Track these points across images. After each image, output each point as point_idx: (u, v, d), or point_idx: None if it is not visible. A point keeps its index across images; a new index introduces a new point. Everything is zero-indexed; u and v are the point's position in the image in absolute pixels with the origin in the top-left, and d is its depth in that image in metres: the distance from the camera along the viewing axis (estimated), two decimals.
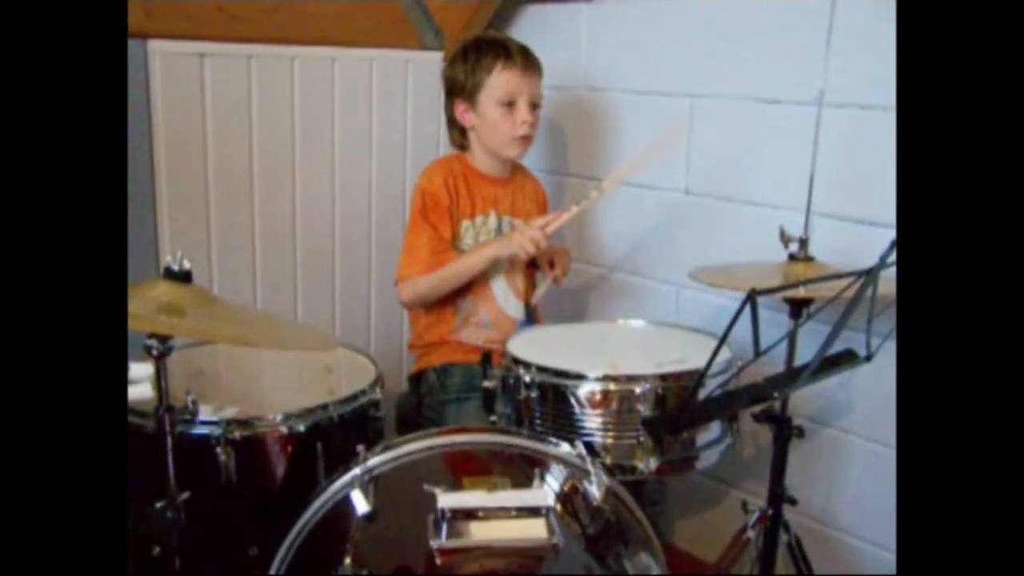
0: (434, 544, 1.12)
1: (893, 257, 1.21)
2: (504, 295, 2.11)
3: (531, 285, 2.16)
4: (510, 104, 2.03)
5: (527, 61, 2.04)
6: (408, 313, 2.21)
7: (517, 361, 1.63)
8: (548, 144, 2.53)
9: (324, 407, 1.53)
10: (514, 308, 2.12)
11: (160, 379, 1.29)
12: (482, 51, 2.05)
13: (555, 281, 2.11)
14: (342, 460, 1.42)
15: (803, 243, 1.73)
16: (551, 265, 2.12)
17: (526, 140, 2.06)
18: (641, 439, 1.55)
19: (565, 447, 1.40)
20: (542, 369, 1.59)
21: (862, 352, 1.55)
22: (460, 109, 2.09)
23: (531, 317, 2.16)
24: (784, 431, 1.75)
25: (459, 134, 2.15)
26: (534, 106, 2.06)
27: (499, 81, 2.03)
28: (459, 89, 2.08)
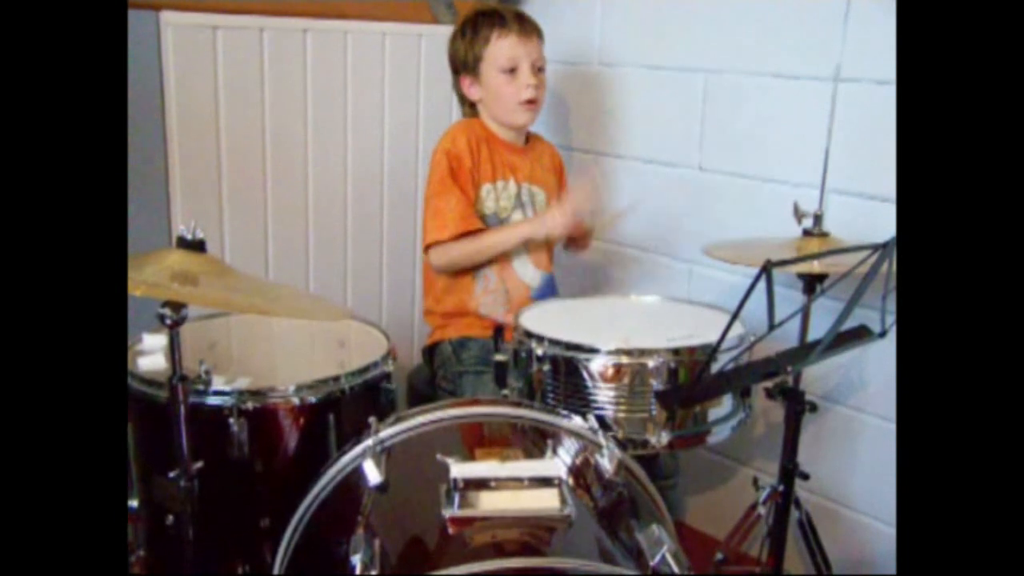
0: (446, 514, 1.12)
1: None
2: (522, 264, 2.11)
3: (550, 255, 2.17)
4: (512, 71, 2.04)
5: (523, 26, 2.05)
6: (423, 280, 2.20)
7: (529, 334, 1.63)
8: (561, 120, 2.52)
9: (336, 379, 1.54)
10: (531, 276, 2.12)
11: (174, 349, 1.30)
12: (478, 23, 2.07)
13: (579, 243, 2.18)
14: (354, 432, 1.43)
15: (817, 219, 1.72)
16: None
17: (533, 104, 2.07)
18: (653, 413, 1.54)
19: (577, 420, 1.40)
20: (554, 342, 1.59)
21: (876, 329, 1.55)
22: (466, 84, 2.11)
23: (550, 287, 2.16)
24: (797, 406, 1.75)
25: (470, 109, 2.16)
26: (538, 70, 2.07)
27: (498, 49, 2.04)
28: (462, 64, 2.11)
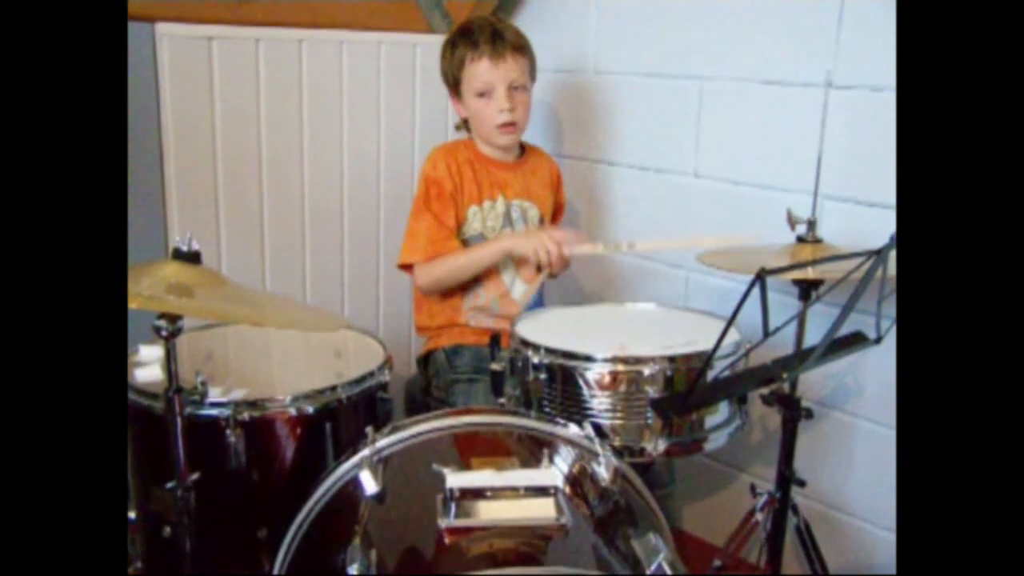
0: (442, 523, 1.12)
1: None
2: (511, 281, 2.10)
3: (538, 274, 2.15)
4: (486, 94, 2.02)
5: (496, 48, 1.99)
6: (414, 297, 2.20)
7: (525, 343, 1.63)
8: (556, 128, 2.53)
9: (333, 389, 1.54)
10: (520, 294, 2.11)
11: (170, 360, 1.30)
12: (456, 44, 2.05)
13: (549, 276, 2.09)
14: (351, 442, 1.43)
15: (811, 225, 1.73)
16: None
17: (510, 127, 2.04)
18: (650, 421, 1.54)
19: (574, 428, 1.40)
20: (550, 351, 1.59)
21: (872, 335, 1.55)
22: (454, 101, 2.12)
23: (539, 305, 2.15)
24: (793, 413, 1.75)
25: (464, 123, 2.16)
26: (516, 89, 2.02)
27: (471, 73, 2.02)
28: (448, 83, 2.11)
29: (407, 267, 2.07)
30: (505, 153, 2.13)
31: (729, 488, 2.35)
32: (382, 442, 1.34)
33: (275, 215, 2.24)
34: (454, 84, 2.08)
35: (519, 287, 2.11)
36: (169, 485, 1.34)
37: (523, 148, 2.20)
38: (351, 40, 2.29)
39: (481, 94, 2.02)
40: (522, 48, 2.04)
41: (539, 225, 2.14)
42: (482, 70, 2.00)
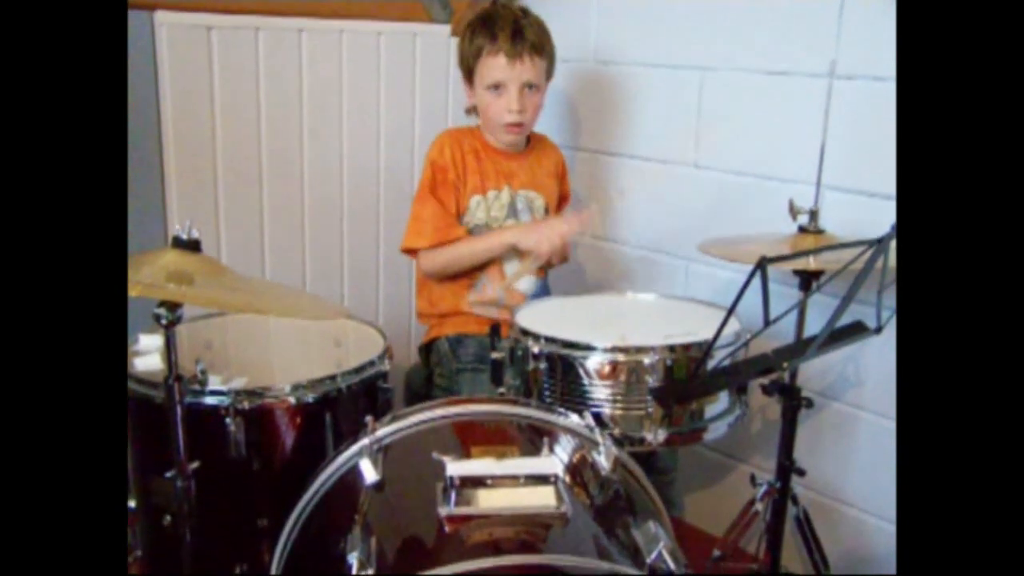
0: (442, 512, 1.12)
1: None
2: (515, 271, 2.09)
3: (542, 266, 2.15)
4: (498, 88, 1.99)
5: (515, 46, 1.95)
6: (416, 282, 2.20)
7: (525, 332, 1.63)
8: (558, 118, 2.52)
9: (332, 378, 1.54)
10: (525, 284, 2.11)
11: (169, 349, 1.30)
12: (476, 32, 2.01)
13: (544, 267, 2.10)
14: (351, 431, 1.43)
15: (813, 215, 1.72)
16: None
17: (516, 127, 2.03)
18: (650, 410, 1.54)
19: (574, 418, 1.40)
20: (551, 340, 1.59)
21: (872, 325, 1.55)
22: (467, 88, 2.09)
23: (545, 294, 2.15)
24: (793, 402, 1.75)
25: (474, 108, 2.13)
26: (529, 88, 2.00)
27: (486, 65, 1.99)
28: (463, 68, 2.07)
29: (410, 251, 2.07)
30: (512, 144, 2.12)
31: (729, 478, 2.35)
32: (382, 431, 1.34)
33: (275, 204, 2.24)
34: (467, 72, 2.05)
35: (525, 279, 2.10)
36: (169, 474, 1.34)
37: (529, 137, 2.18)
38: (351, 29, 2.28)
39: (493, 88, 2.00)
40: (541, 48, 2.00)
41: (545, 215, 2.13)
42: (498, 66, 1.97)
